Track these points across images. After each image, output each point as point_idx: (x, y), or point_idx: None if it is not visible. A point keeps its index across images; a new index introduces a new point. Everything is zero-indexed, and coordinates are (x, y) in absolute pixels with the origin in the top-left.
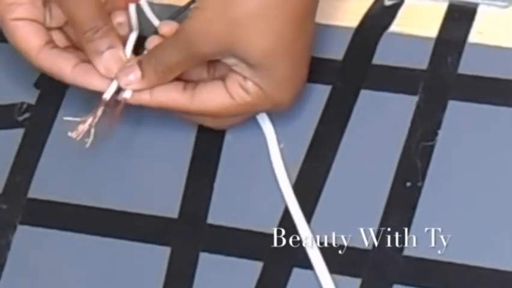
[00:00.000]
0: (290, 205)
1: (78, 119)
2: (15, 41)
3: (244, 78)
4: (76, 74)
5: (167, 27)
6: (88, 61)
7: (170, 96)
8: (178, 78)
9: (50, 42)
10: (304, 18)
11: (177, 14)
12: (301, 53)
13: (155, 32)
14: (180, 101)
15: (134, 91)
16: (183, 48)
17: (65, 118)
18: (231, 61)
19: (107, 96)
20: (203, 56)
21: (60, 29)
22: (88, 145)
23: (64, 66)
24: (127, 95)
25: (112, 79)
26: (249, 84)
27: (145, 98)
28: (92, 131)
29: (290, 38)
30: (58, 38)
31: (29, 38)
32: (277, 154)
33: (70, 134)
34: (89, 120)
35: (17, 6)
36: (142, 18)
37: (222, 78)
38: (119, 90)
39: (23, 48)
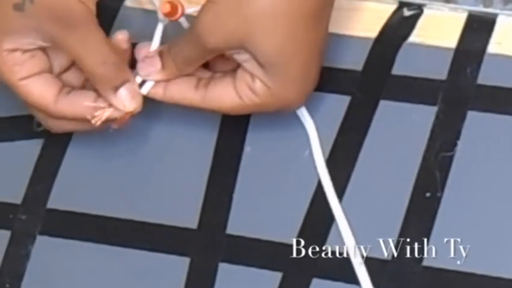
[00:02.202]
0: (335, 211)
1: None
2: (30, 100)
3: (253, 78)
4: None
5: (121, 35)
6: None
7: (183, 93)
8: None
9: (64, 88)
10: (316, 18)
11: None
12: (312, 55)
13: None
14: (192, 98)
15: (155, 82)
16: (195, 41)
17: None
18: (242, 57)
19: None
20: (214, 49)
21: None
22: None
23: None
24: (147, 87)
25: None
26: (257, 85)
27: (159, 93)
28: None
29: (302, 37)
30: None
31: (41, 92)
32: (320, 156)
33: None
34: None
35: (20, 66)
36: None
37: (233, 78)
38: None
39: (40, 103)
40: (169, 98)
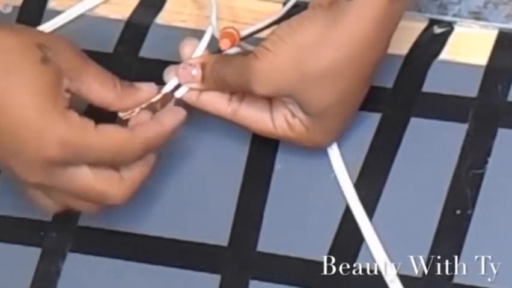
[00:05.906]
0: (365, 230)
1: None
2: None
3: (293, 115)
4: None
5: (189, 47)
6: None
7: (215, 104)
8: None
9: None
10: (369, 76)
11: None
12: (356, 106)
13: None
14: (224, 111)
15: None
16: (243, 80)
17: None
18: (286, 99)
19: (165, 91)
20: (260, 94)
21: None
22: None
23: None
24: (182, 91)
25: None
26: (296, 122)
27: (192, 98)
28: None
29: (352, 94)
30: None
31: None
32: (347, 181)
33: (120, 114)
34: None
35: None
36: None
37: (270, 103)
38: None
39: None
40: (201, 104)
